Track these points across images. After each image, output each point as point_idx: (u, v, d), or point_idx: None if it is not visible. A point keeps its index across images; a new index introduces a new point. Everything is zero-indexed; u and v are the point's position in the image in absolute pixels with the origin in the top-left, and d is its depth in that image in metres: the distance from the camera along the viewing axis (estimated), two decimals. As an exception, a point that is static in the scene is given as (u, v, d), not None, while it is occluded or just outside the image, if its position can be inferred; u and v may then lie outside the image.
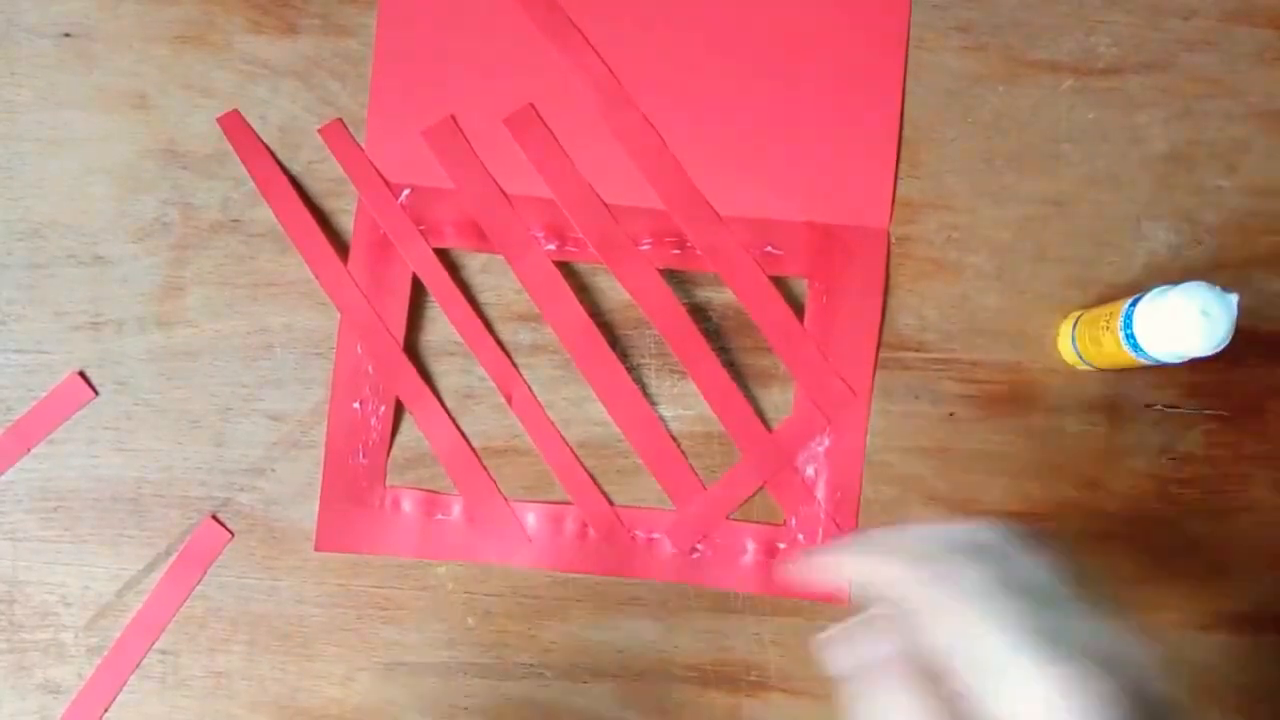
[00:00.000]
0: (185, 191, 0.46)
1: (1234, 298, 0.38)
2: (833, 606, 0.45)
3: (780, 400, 0.45)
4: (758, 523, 0.45)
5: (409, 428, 0.45)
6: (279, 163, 0.46)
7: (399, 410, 0.45)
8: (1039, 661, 0.26)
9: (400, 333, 0.45)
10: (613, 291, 0.45)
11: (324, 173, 0.46)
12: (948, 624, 0.27)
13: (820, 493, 0.45)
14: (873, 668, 0.28)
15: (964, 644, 0.27)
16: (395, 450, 0.45)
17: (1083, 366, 0.44)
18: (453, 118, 0.46)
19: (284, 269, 0.45)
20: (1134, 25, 0.46)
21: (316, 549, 0.45)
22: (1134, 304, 0.40)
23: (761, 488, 0.45)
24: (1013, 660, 0.26)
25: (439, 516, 0.45)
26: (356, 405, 0.45)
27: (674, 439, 0.45)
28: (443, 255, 0.45)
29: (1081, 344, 0.43)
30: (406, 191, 0.45)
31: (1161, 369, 0.45)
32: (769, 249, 0.45)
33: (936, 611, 0.28)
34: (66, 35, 0.46)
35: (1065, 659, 0.26)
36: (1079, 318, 0.44)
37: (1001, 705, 0.26)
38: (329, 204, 0.46)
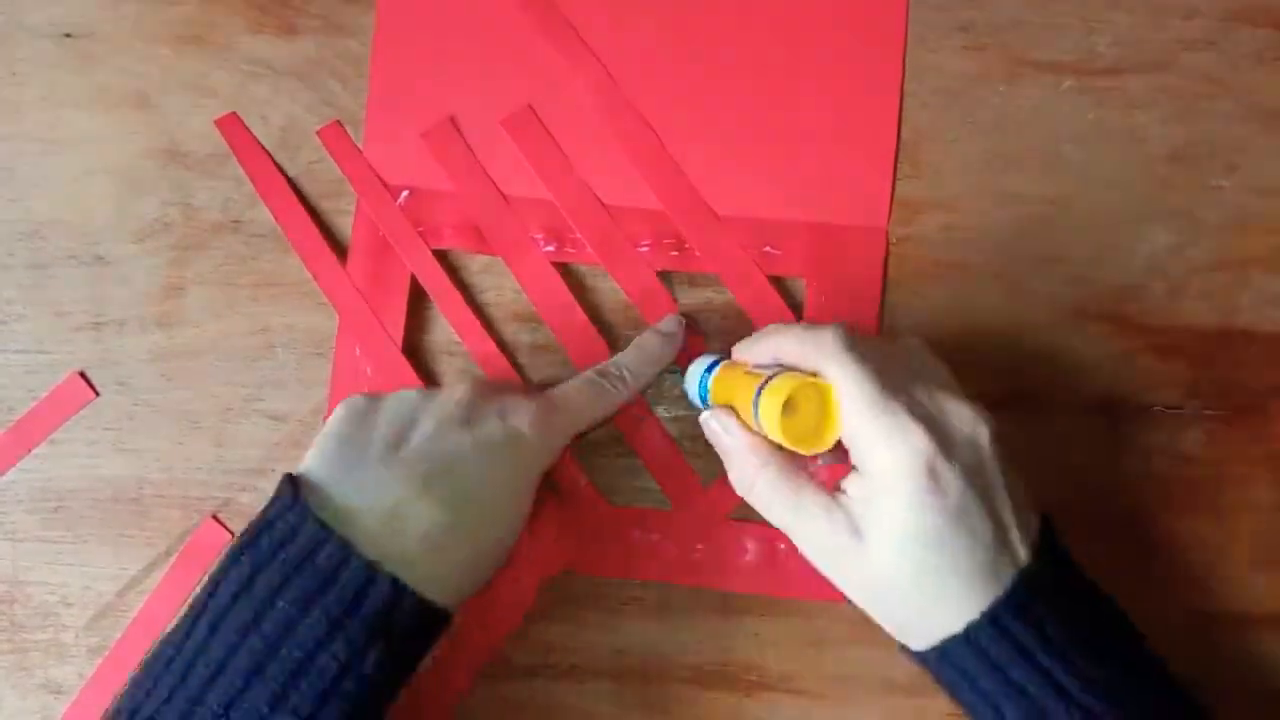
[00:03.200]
0: (186, 192, 0.46)
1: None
2: (833, 606, 0.45)
3: (780, 400, 0.45)
4: (758, 523, 0.45)
5: (409, 428, 0.45)
6: (277, 165, 0.46)
7: (399, 410, 0.45)
8: (873, 412, 0.33)
9: (399, 334, 0.45)
10: (612, 293, 0.46)
11: (324, 173, 0.46)
12: (834, 381, 0.35)
13: (820, 493, 0.45)
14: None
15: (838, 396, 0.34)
16: (395, 450, 0.45)
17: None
18: (451, 119, 0.46)
19: (285, 269, 0.45)
20: (1134, 25, 0.46)
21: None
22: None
23: (761, 488, 0.45)
24: (851, 409, 0.34)
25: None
26: (356, 406, 0.45)
27: (673, 439, 0.45)
28: (442, 256, 0.45)
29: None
30: (405, 193, 0.45)
31: (1164, 371, 0.45)
32: (767, 249, 0.45)
33: (803, 364, 0.36)
34: (67, 35, 0.46)
35: (891, 413, 0.33)
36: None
37: (858, 445, 0.34)
38: (329, 204, 0.46)
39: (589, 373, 0.42)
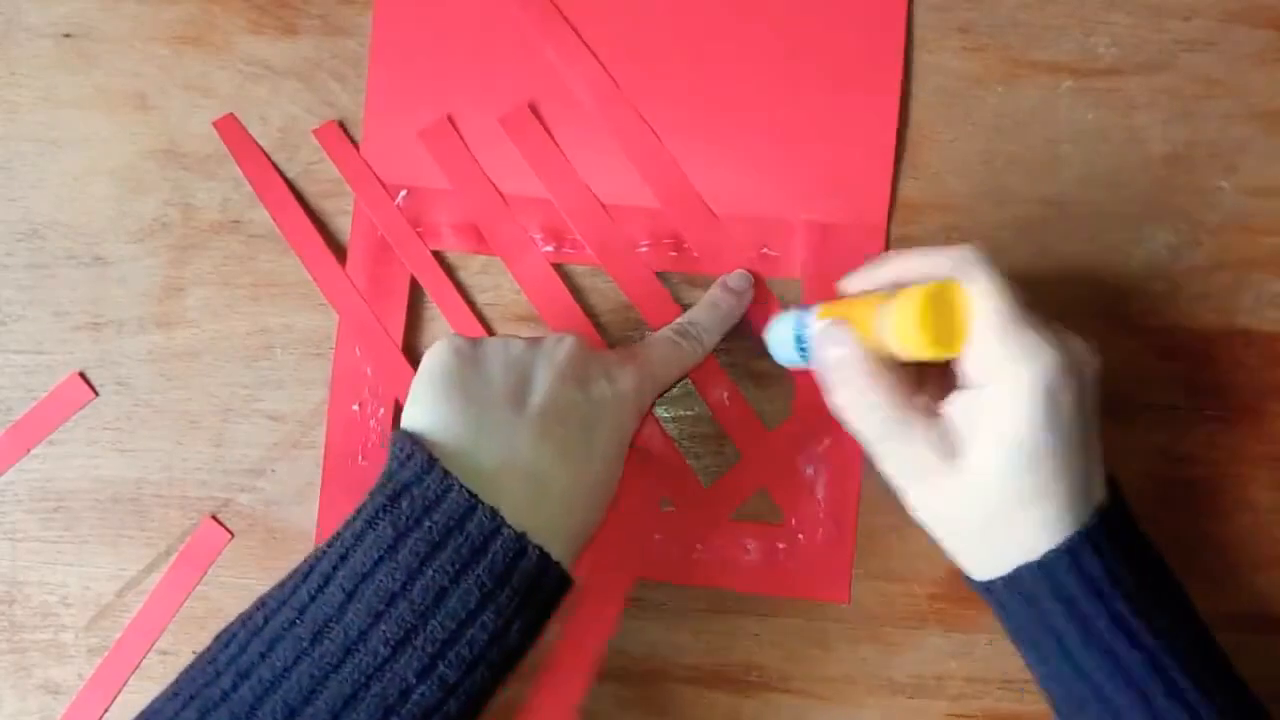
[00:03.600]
0: (185, 192, 0.46)
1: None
2: (833, 607, 0.45)
3: (780, 400, 0.45)
4: (758, 523, 0.45)
5: (409, 428, 0.45)
6: (277, 167, 0.46)
7: (399, 412, 0.45)
8: (1012, 326, 0.34)
9: (399, 335, 0.45)
10: (611, 293, 0.45)
11: (323, 173, 0.46)
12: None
13: (820, 493, 0.45)
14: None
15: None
16: (395, 451, 0.45)
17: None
18: (449, 118, 0.46)
19: (284, 269, 0.45)
20: (1134, 26, 0.46)
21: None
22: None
23: (762, 488, 0.45)
24: (988, 320, 0.34)
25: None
26: (356, 407, 0.45)
27: (673, 439, 0.45)
28: (440, 255, 0.45)
29: None
30: (404, 193, 0.45)
31: (1164, 371, 0.45)
32: (766, 250, 0.45)
33: (934, 275, 0.35)
34: (67, 35, 0.46)
35: (1028, 328, 0.34)
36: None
37: (983, 363, 0.34)
38: (329, 204, 0.46)
39: (668, 332, 0.42)
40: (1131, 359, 0.45)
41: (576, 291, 0.45)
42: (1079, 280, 0.46)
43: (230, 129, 0.46)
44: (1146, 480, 0.45)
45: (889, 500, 0.45)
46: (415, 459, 0.33)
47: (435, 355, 0.36)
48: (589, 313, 0.45)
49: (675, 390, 0.45)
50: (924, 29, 0.46)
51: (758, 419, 0.45)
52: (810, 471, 0.45)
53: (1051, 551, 0.34)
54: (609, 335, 0.45)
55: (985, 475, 0.34)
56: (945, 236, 0.45)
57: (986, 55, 0.46)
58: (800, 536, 0.45)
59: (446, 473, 0.33)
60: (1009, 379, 0.34)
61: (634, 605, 0.45)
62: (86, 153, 0.46)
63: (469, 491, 0.33)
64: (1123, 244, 0.46)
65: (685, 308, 0.45)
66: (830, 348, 0.37)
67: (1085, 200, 0.46)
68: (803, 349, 0.41)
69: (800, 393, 0.45)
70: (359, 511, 0.34)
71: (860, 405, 0.36)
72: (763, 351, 0.44)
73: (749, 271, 0.45)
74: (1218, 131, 0.46)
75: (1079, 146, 0.46)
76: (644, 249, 0.45)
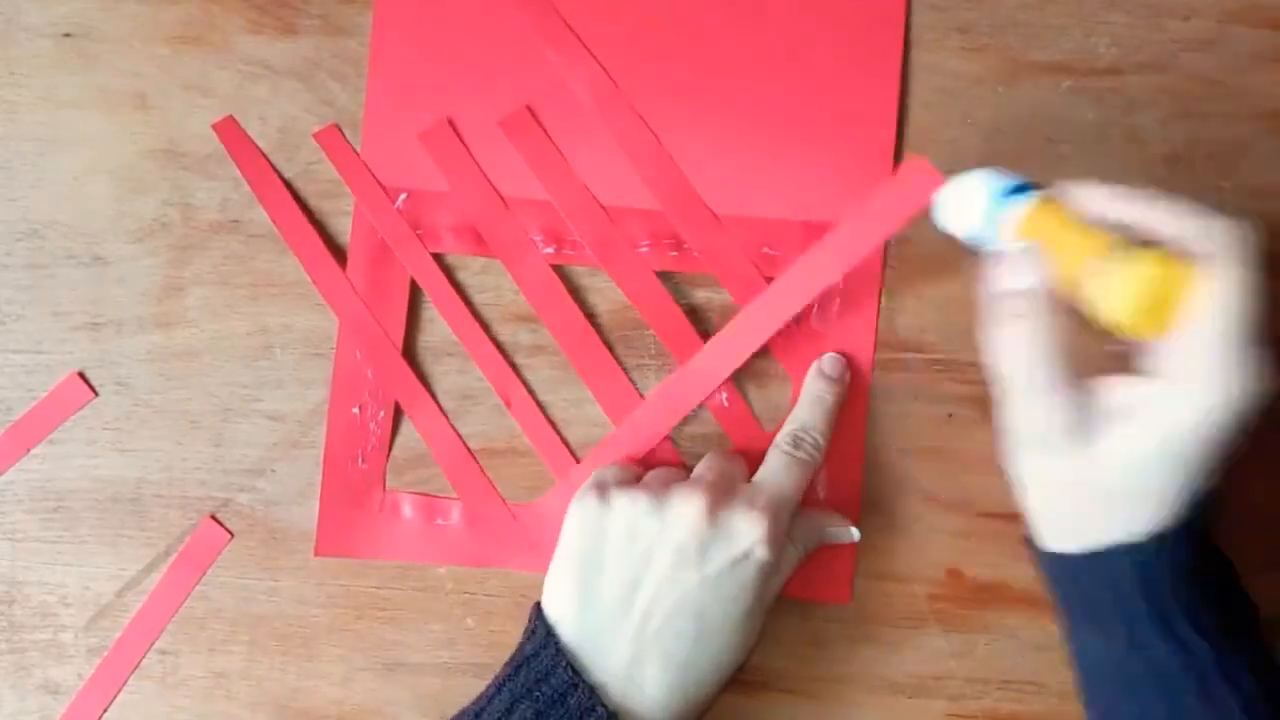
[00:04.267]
0: (185, 192, 0.46)
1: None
2: (832, 607, 0.45)
3: (779, 401, 0.45)
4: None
5: (408, 429, 0.45)
6: (276, 170, 0.45)
7: (398, 413, 0.45)
8: (1238, 338, 0.31)
9: (399, 337, 0.45)
10: (610, 294, 0.45)
11: (323, 173, 0.46)
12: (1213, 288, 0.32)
13: (820, 493, 0.45)
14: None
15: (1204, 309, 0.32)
16: (395, 451, 0.45)
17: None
18: (449, 121, 0.46)
19: (283, 269, 0.45)
20: (1133, 26, 0.46)
21: (316, 554, 0.45)
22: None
23: (760, 488, 0.45)
24: (1218, 322, 0.31)
25: (438, 521, 0.45)
26: (356, 410, 0.45)
27: (673, 440, 0.45)
28: (440, 257, 0.45)
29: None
30: (403, 196, 0.45)
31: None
32: (765, 250, 0.45)
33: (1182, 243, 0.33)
34: (66, 35, 0.46)
35: (1249, 348, 0.32)
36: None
37: (1177, 362, 0.32)
38: (328, 205, 0.46)
39: (784, 447, 0.41)
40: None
41: (576, 291, 0.45)
42: (1079, 280, 0.46)
43: (229, 131, 0.46)
44: (1146, 480, 0.45)
45: (889, 500, 0.45)
46: (538, 633, 0.38)
47: (570, 519, 0.39)
48: (589, 313, 0.45)
49: (675, 390, 0.45)
50: (923, 29, 0.46)
51: (757, 419, 0.45)
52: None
53: (1152, 539, 0.34)
54: (608, 335, 0.45)
55: (1116, 466, 0.33)
56: (945, 237, 0.45)
57: (986, 55, 0.46)
58: (800, 536, 0.45)
59: (559, 649, 0.37)
60: (1200, 390, 0.32)
61: (633, 605, 0.45)
62: (86, 153, 0.46)
63: (573, 668, 0.36)
64: (1122, 244, 0.46)
65: (685, 308, 0.45)
66: (1019, 276, 0.35)
67: (1085, 200, 0.46)
68: (989, 228, 0.37)
69: (800, 393, 0.45)
70: (496, 679, 0.38)
71: (1021, 350, 0.34)
72: (763, 352, 0.44)
73: (839, 355, 0.44)
74: (1218, 132, 0.46)
75: (1079, 146, 0.46)
76: (644, 249, 0.45)
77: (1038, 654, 0.44)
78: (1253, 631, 0.36)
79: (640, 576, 0.38)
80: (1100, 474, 0.34)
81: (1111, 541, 0.34)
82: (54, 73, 0.46)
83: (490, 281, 0.46)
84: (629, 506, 0.38)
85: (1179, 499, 0.34)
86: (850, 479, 0.45)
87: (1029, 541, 0.38)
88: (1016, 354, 0.35)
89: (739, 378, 0.45)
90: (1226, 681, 0.33)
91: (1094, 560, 0.35)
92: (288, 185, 0.45)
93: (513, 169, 0.45)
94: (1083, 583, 0.36)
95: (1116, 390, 0.34)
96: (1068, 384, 0.34)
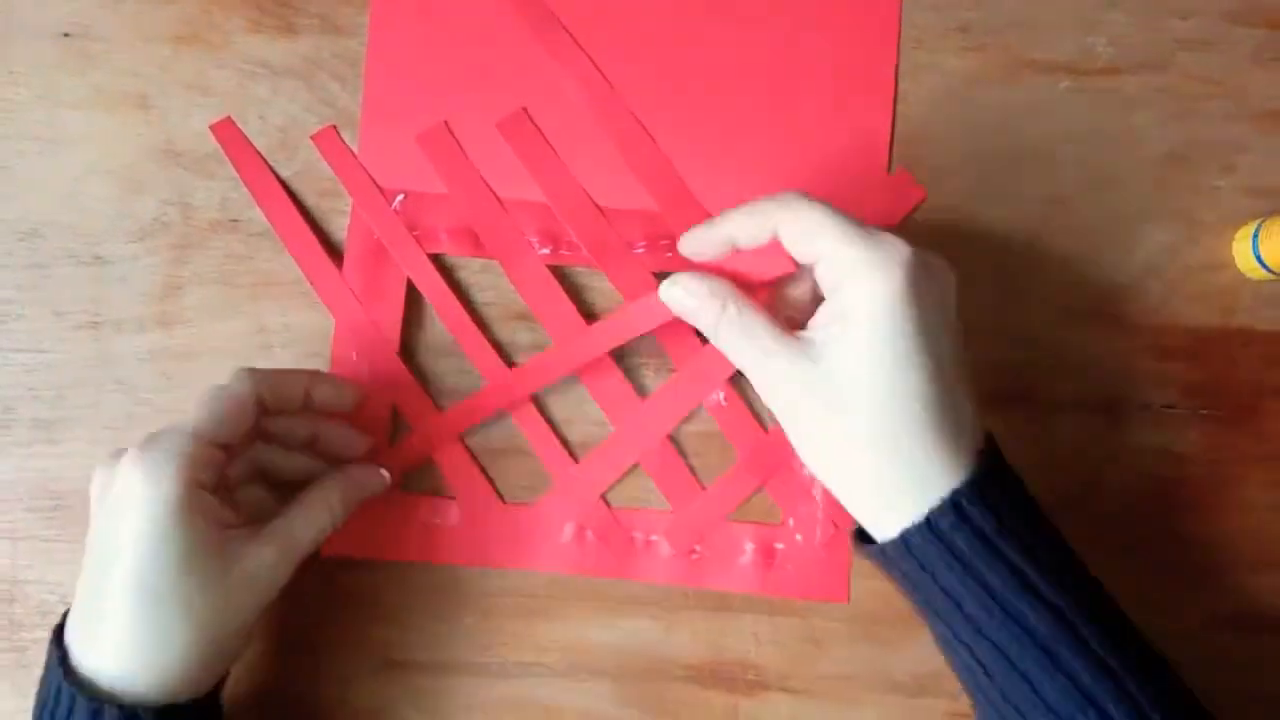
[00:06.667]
0: (184, 191, 0.46)
1: None
2: (831, 606, 0.45)
3: (778, 400, 0.45)
4: (756, 523, 0.45)
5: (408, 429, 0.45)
6: (274, 171, 0.46)
7: (396, 416, 0.45)
8: (857, 243, 0.34)
9: (395, 338, 0.45)
10: (608, 294, 0.46)
11: (323, 172, 0.46)
12: (800, 226, 0.36)
13: (819, 493, 0.45)
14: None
15: (808, 238, 0.36)
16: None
17: (1265, 275, 0.44)
18: (446, 123, 0.46)
19: (283, 269, 0.45)
20: (1132, 25, 0.46)
21: (319, 555, 0.45)
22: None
23: (760, 488, 0.45)
24: (839, 235, 0.35)
25: (438, 521, 0.45)
26: (354, 408, 0.45)
27: (671, 440, 0.45)
28: (437, 257, 0.45)
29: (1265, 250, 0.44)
30: (401, 197, 0.45)
31: (1162, 371, 0.45)
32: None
33: (792, 221, 0.36)
34: (66, 35, 0.46)
35: (875, 237, 0.35)
36: (1261, 224, 0.44)
37: (834, 271, 0.35)
38: (327, 204, 0.46)
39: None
40: (1128, 358, 0.45)
41: (574, 292, 0.45)
42: (1077, 280, 0.46)
43: (228, 133, 0.46)
44: (1144, 480, 0.45)
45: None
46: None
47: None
48: (586, 314, 0.45)
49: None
50: (923, 29, 0.46)
51: (756, 419, 0.45)
52: (808, 471, 0.45)
53: (936, 507, 0.33)
54: (608, 335, 0.45)
55: (845, 370, 0.34)
56: (943, 236, 0.45)
57: (985, 55, 0.46)
58: (799, 536, 0.45)
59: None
60: (863, 272, 0.34)
61: (633, 605, 0.45)
62: (86, 152, 0.46)
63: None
64: (1121, 243, 0.46)
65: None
66: (690, 298, 0.38)
67: (1083, 200, 0.46)
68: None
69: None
70: None
71: (739, 334, 0.37)
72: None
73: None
74: (1216, 131, 0.46)
75: (1077, 146, 0.46)
76: (640, 250, 0.45)
77: (1036, 653, 0.44)
78: (1081, 575, 0.35)
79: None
80: (840, 387, 0.34)
81: (907, 523, 0.34)
82: (54, 72, 0.46)
83: (489, 280, 0.46)
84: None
85: (941, 432, 0.34)
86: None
87: (858, 542, 0.37)
88: (740, 340, 0.37)
89: (737, 377, 0.45)
90: (1073, 651, 0.33)
91: (901, 546, 0.34)
92: (287, 185, 0.45)
93: (510, 170, 0.45)
94: (907, 572, 0.35)
95: (819, 319, 0.36)
96: (786, 334, 0.36)
